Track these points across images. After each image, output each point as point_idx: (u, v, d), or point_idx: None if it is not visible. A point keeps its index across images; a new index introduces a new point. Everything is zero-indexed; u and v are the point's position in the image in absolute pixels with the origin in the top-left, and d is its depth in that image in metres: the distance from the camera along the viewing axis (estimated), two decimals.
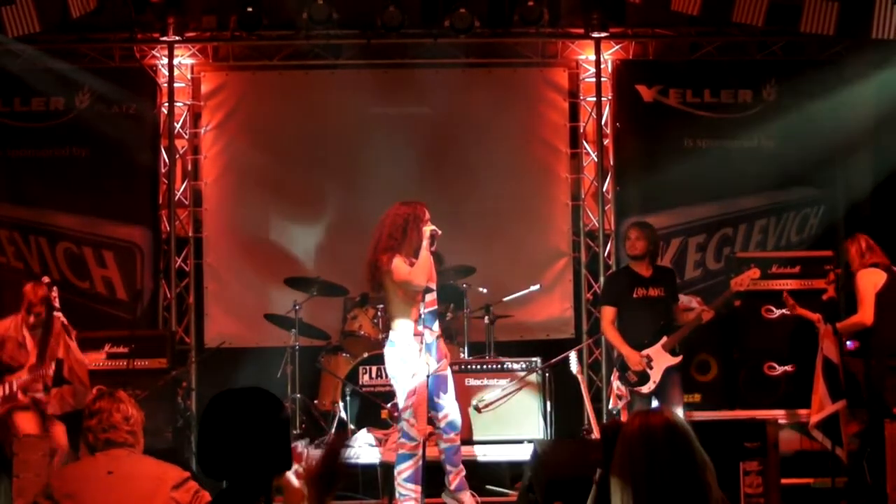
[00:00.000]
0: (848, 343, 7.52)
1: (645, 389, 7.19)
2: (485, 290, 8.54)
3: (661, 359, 7.20)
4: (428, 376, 6.32)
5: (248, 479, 2.65)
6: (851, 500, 7.18)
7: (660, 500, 2.63)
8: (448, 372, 6.71)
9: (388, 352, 6.61)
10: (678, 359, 7.26)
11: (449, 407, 6.60)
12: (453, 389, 6.71)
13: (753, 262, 7.83)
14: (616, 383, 7.36)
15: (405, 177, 9.14)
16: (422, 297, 6.43)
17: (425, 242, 6.44)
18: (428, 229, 6.46)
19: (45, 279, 7.37)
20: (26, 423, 6.91)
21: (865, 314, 7.22)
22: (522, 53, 9.61)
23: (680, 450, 2.66)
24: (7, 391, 6.90)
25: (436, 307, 6.48)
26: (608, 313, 7.42)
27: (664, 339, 7.21)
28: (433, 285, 6.47)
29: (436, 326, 6.49)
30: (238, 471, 2.65)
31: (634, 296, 7.28)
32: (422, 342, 6.37)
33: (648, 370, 7.18)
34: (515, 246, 9.46)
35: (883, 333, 7.23)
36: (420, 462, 6.36)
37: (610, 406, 7.73)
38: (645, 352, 7.19)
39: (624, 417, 7.39)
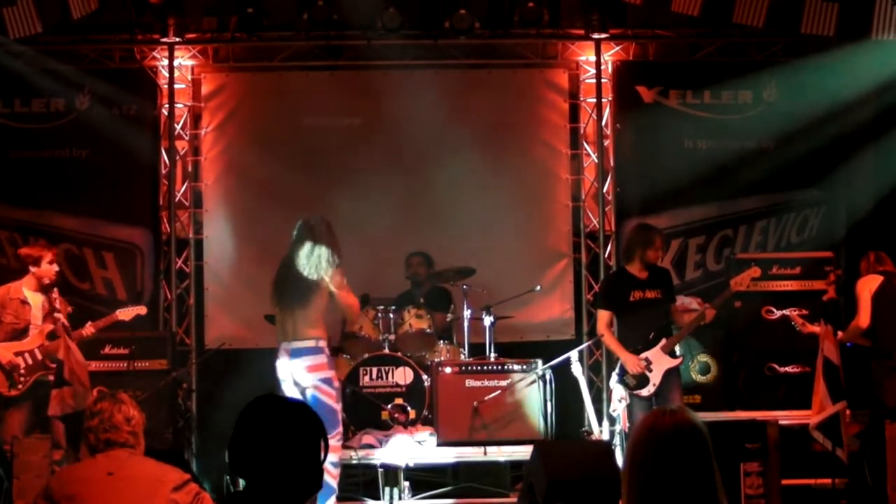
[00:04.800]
0: (848, 344, 7.55)
1: (645, 393, 7.19)
2: (485, 291, 8.54)
3: (660, 361, 7.19)
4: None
5: (271, 487, 2.64)
6: (852, 500, 7.19)
7: (670, 500, 2.62)
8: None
9: None
10: (678, 360, 7.26)
11: None
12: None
13: (754, 262, 7.84)
14: (616, 387, 7.35)
15: (405, 178, 9.14)
16: None
17: None
18: None
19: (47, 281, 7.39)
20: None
21: (860, 318, 7.36)
22: (522, 55, 9.61)
23: (703, 454, 2.66)
24: None
25: None
26: (604, 317, 7.43)
27: (663, 341, 7.20)
28: None
29: None
30: (264, 476, 2.64)
31: (631, 299, 7.28)
32: None
33: (648, 373, 7.17)
34: (516, 247, 9.46)
35: (880, 334, 7.31)
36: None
37: (611, 409, 7.73)
38: (644, 355, 7.19)
39: (624, 421, 7.39)
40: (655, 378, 7.17)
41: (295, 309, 6.53)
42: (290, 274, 6.57)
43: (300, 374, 6.49)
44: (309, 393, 6.46)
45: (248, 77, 9.59)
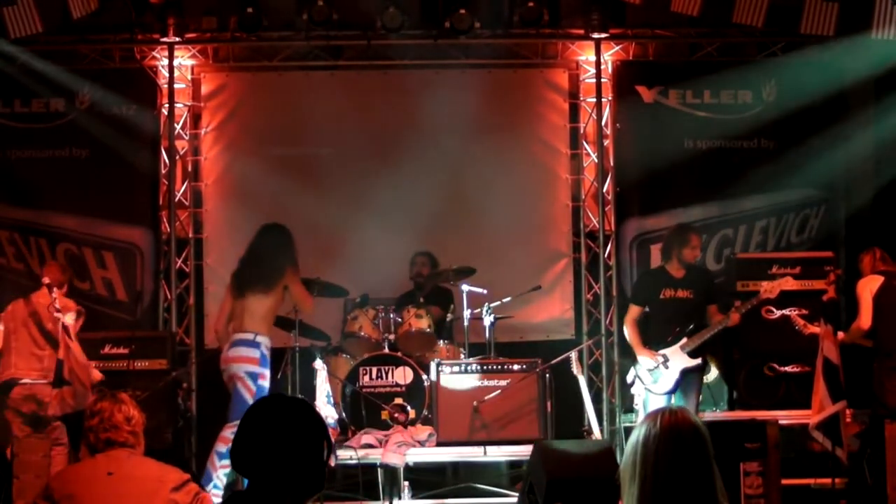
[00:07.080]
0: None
1: (658, 388, 7.25)
2: (485, 291, 8.53)
3: (677, 359, 7.25)
4: None
5: (274, 486, 2.64)
6: (852, 500, 7.19)
7: (671, 500, 2.62)
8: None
9: None
10: (696, 361, 7.30)
11: None
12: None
13: (776, 262, 7.87)
14: (634, 380, 7.43)
15: (405, 178, 9.14)
16: None
17: None
18: None
19: (46, 280, 7.39)
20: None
21: (862, 319, 7.37)
22: (522, 54, 9.61)
23: (703, 455, 2.66)
24: None
25: None
26: (633, 312, 7.54)
27: (684, 340, 7.25)
28: None
29: None
30: (267, 475, 2.65)
31: (662, 297, 7.36)
32: None
33: (664, 369, 7.22)
34: (516, 247, 9.45)
35: (881, 334, 7.31)
36: None
37: (634, 404, 7.79)
38: (662, 351, 7.25)
39: (641, 415, 7.45)
40: (671, 375, 7.22)
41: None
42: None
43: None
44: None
45: (248, 77, 9.58)
